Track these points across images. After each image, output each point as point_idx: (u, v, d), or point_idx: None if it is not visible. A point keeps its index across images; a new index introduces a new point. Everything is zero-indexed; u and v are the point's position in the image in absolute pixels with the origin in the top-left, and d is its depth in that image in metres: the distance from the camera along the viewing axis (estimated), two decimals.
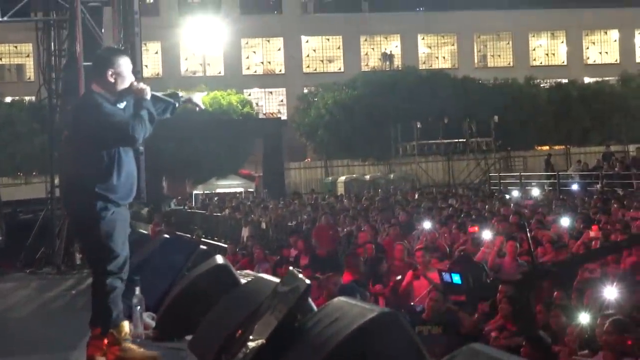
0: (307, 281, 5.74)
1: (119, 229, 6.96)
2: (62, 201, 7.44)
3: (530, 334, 10.40)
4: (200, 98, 7.67)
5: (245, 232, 26.62)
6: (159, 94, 7.34)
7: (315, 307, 6.04)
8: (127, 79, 7.01)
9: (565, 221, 19.25)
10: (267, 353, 5.55)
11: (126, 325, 7.01)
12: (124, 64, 7.03)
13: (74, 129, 7.15)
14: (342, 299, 5.73)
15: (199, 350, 6.79)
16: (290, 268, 6.80)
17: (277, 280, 6.61)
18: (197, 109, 7.75)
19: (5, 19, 15.51)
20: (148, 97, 7.01)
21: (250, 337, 5.88)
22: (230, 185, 51.02)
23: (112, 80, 6.94)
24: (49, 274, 13.55)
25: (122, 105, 7.00)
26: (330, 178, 52.10)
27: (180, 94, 7.60)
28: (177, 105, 7.43)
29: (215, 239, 27.92)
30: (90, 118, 6.87)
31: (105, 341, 6.90)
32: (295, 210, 30.57)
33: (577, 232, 18.03)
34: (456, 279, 13.53)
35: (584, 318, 10.28)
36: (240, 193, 48.42)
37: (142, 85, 7.06)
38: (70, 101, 15.35)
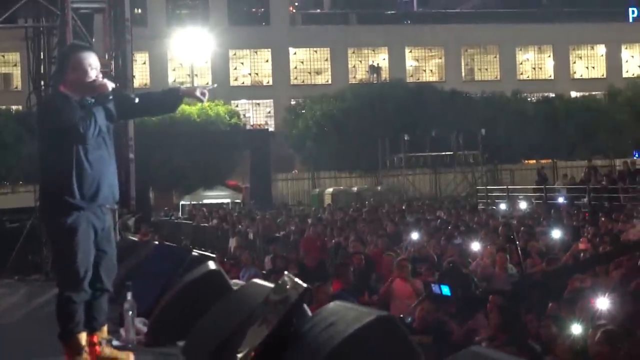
0: (304, 285, 5.69)
1: (82, 236, 6.66)
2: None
3: (521, 344, 10.38)
4: (202, 91, 7.19)
5: (232, 243, 26.56)
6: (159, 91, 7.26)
7: (310, 313, 6.00)
8: (89, 74, 6.74)
9: (554, 233, 19.29)
10: (263, 357, 5.50)
11: (83, 338, 6.78)
12: (84, 58, 6.78)
13: (37, 132, 7.07)
14: (338, 303, 5.69)
15: (192, 355, 6.74)
16: (286, 272, 6.72)
17: (271, 285, 6.56)
18: (200, 102, 7.50)
19: None
20: (107, 91, 6.74)
21: (245, 342, 5.84)
22: (218, 196, 50.91)
23: (72, 77, 6.72)
24: (37, 281, 13.48)
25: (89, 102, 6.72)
26: (317, 190, 52.06)
27: (182, 87, 7.41)
28: (177, 99, 7.25)
29: (203, 249, 27.84)
30: (41, 117, 6.86)
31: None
32: (283, 221, 30.53)
33: (566, 245, 18.09)
34: (445, 290, 13.54)
35: (575, 329, 10.26)
36: (228, 204, 48.36)
37: (103, 80, 6.80)
38: None
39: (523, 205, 31.94)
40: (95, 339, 6.89)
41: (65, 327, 6.74)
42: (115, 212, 7.17)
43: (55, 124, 6.57)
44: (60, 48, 7.02)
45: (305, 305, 6.02)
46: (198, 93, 7.18)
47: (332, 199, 47.00)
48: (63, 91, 6.75)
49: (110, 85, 6.81)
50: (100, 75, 6.88)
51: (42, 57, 16.36)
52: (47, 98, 7.00)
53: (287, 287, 5.89)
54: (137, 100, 7.15)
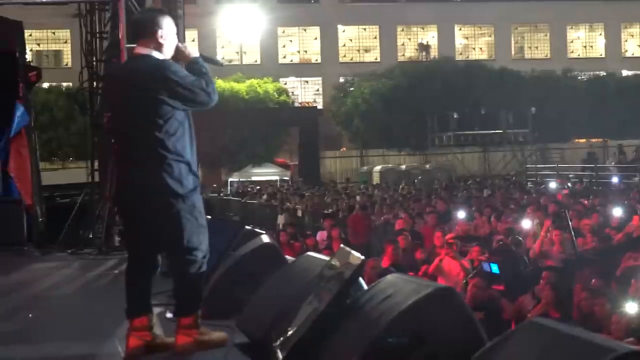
0: (362, 257, 5.66)
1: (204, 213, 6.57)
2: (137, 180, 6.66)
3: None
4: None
5: (281, 220, 26.67)
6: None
7: (365, 286, 5.98)
8: (173, 41, 6.53)
9: (607, 212, 19.19)
10: (319, 330, 5.49)
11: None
12: (171, 24, 6.55)
13: (133, 96, 6.34)
14: (396, 275, 5.67)
15: (248, 328, 6.74)
16: (342, 245, 6.69)
17: (326, 258, 6.54)
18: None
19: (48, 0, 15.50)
20: (197, 55, 6.57)
21: (298, 317, 5.83)
22: (266, 174, 51.10)
23: (162, 41, 6.44)
24: (90, 255, 13.56)
25: None
26: (365, 167, 52.04)
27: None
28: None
29: (251, 226, 27.89)
30: (160, 82, 6.23)
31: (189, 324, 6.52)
32: (332, 198, 30.52)
33: (619, 223, 17.96)
34: (495, 268, 13.53)
35: (630, 307, 10.18)
36: (276, 181, 48.49)
37: (185, 45, 6.61)
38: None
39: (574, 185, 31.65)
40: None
41: (195, 304, 6.54)
42: None
43: (182, 87, 6.25)
44: (148, 13, 6.34)
45: (360, 278, 6.00)
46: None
47: (381, 177, 46.98)
48: (149, 54, 6.44)
49: (194, 49, 6.63)
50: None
51: (94, 32, 16.40)
52: (152, 60, 6.41)
53: (342, 261, 5.86)
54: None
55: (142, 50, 6.48)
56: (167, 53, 6.51)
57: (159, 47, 6.45)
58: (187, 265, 6.48)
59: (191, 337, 6.50)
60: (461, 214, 20.17)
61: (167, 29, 6.48)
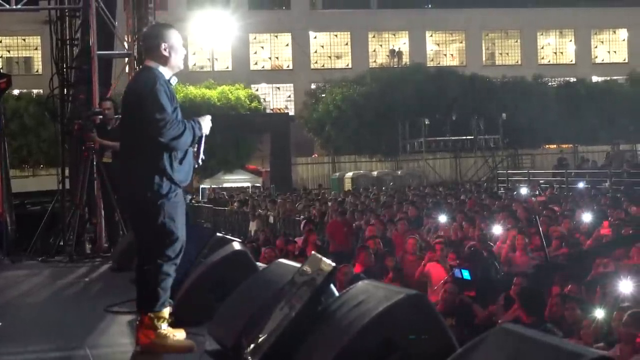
0: (333, 264, 5.68)
1: (180, 212, 6.89)
2: (120, 181, 7.26)
3: (542, 328, 10.35)
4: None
5: (253, 226, 26.66)
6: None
7: (336, 292, 5.98)
8: (180, 52, 7.03)
9: (576, 218, 19.26)
10: (291, 337, 5.50)
11: (167, 312, 6.87)
12: (176, 37, 7.04)
13: (131, 106, 6.95)
14: (367, 282, 5.67)
15: (219, 335, 6.74)
16: (313, 252, 6.72)
17: (297, 265, 6.55)
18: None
19: (18, 6, 15.43)
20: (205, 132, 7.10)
21: (269, 324, 5.83)
22: (238, 180, 51.06)
23: (166, 54, 6.93)
24: (60, 262, 13.50)
25: (174, 81, 7.01)
26: (337, 174, 52.05)
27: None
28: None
29: (223, 232, 27.87)
30: (137, 105, 6.77)
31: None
32: (304, 204, 30.51)
33: (589, 228, 18.04)
34: (466, 274, 13.58)
35: (599, 312, 10.23)
36: (248, 188, 48.43)
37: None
38: (82, 91, 15.31)
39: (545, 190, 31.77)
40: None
41: (157, 300, 6.76)
42: None
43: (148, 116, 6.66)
44: (153, 28, 7.00)
45: (332, 285, 6.01)
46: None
47: (352, 183, 46.99)
48: (154, 66, 6.95)
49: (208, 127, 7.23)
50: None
51: (64, 39, 16.34)
52: (149, 74, 6.85)
53: (314, 267, 5.87)
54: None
55: (149, 62, 7.05)
56: (174, 65, 7.06)
57: (165, 60, 6.98)
58: (145, 261, 6.89)
59: (148, 338, 6.77)
60: (443, 218, 20.25)
61: (171, 41, 7.00)
